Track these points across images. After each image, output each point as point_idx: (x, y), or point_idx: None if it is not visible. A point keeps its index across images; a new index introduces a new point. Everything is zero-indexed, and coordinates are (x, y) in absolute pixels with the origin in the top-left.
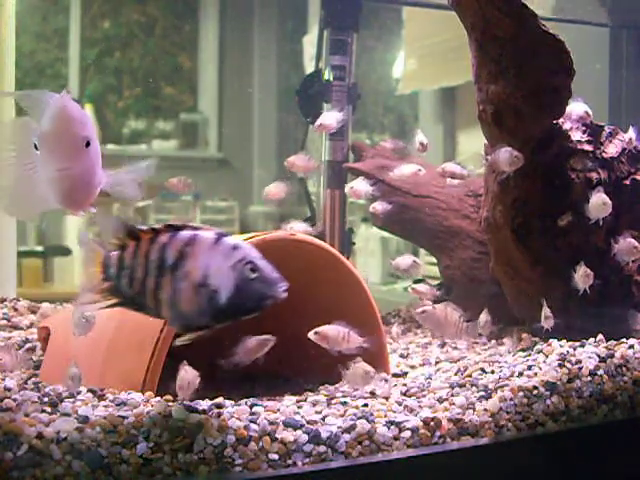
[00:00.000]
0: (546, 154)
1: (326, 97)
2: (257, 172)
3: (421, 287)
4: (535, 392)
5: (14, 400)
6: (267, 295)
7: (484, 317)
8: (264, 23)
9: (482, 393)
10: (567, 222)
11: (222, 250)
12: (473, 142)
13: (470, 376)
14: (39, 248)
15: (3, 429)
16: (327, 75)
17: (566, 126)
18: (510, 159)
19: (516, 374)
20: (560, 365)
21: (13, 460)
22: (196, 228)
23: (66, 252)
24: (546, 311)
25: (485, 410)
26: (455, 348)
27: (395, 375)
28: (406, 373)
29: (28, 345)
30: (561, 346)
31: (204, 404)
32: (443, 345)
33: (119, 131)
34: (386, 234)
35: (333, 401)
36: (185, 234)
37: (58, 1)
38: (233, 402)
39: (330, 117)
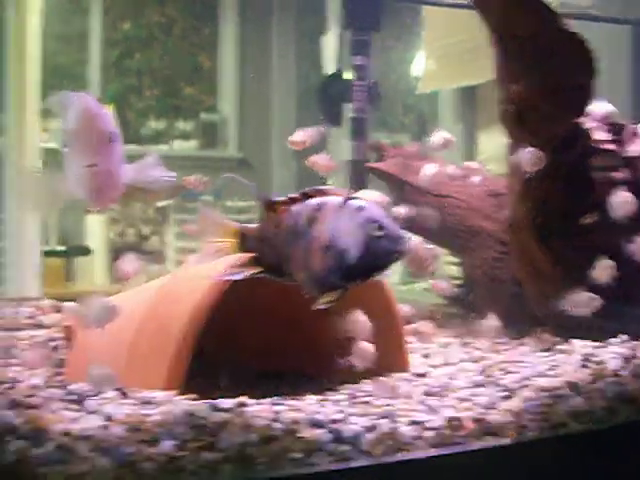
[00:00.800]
0: (568, 153)
1: (347, 97)
2: (277, 171)
3: (441, 283)
4: (558, 392)
5: (41, 398)
6: (393, 251)
7: (493, 322)
8: (283, 23)
9: (505, 393)
10: (591, 221)
11: (348, 212)
12: (493, 142)
13: (492, 376)
14: (61, 248)
15: (31, 425)
16: (348, 75)
17: (588, 125)
18: (532, 159)
19: (538, 374)
20: (583, 365)
21: (40, 456)
22: (325, 193)
23: (87, 252)
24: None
25: (508, 410)
26: (476, 348)
27: (417, 375)
28: (428, 373)
29: (52, 343)
30: (583, 346)
31: (228, 403)
32: (464, 345)
33: (140, 131)
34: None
35: (355, 400)
36: (314, 201)
37: (79, 3)
38: (256, 401)
39: (302, 134)
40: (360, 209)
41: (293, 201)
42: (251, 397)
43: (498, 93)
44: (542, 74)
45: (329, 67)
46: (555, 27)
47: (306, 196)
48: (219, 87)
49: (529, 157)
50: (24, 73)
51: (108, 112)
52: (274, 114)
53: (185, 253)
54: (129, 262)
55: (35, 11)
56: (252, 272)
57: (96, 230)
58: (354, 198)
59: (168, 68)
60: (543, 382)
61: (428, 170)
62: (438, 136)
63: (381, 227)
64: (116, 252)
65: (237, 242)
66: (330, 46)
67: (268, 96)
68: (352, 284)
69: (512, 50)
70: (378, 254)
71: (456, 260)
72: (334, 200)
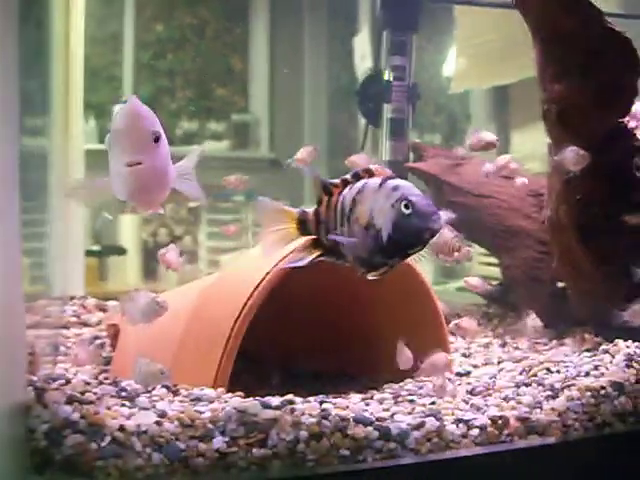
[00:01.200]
0: (611, 153)
1: (386, 97)
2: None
3: (474, 280)
4: (602, 392)
5: (94, 394)
6: (424, 228)
7: (532, 322)
8: (314, 24)
9: (549, 392)
10: (634, 221)
11: (384, 192)
12: (527, 141)
13: (536, 375)
14: (96, 247)
15: (88, 421)
16: (387, 75)
17: (631, 125)
18: (576, 158)
19: (582, 374)
20: (627, 365)
21: (98, 450)
22: (372, 173)
23: (122, 251)
24: None
25: (552, 409)
26: (517, 348)
27: (459, 374)
28: (469, 372)
29: (98, 341)
30: (627, 347)
31: (276, 400)
32: (504, 345)
33: (172, 132)
34: None
35: (399, 399)
36: (359, 183)
37: (112, 6)
38: (302, 399)
39: (303, 152)
40: (395, 189)
41: (345, 184)
42: (297, 395)
43: (540, 93)
44: (585, 73)
45: (360, 68)
46: (600, 26)
47: (357, 177)
48: (251, 88)
49: (573, 156)
50: (68, 75)
51: (154, 114)
52: (306, 114)
53: (217, 253)
54: (172, 252)
55: (79, 13)
56: (315, 255)
57: (129, 230)
58: (392, 178)
59: (200, 69)
60: (587, 382)
61: (486, 168)
62: (481, 136)
63: (411, 205)
64: (148, 252)
65: (297, 227)
66: (362, 47)
67: (299, 97)
68: (393, 262)
69: (554, 50)
70: (409, 232)
71: (491, 260)
72: (374, 181)
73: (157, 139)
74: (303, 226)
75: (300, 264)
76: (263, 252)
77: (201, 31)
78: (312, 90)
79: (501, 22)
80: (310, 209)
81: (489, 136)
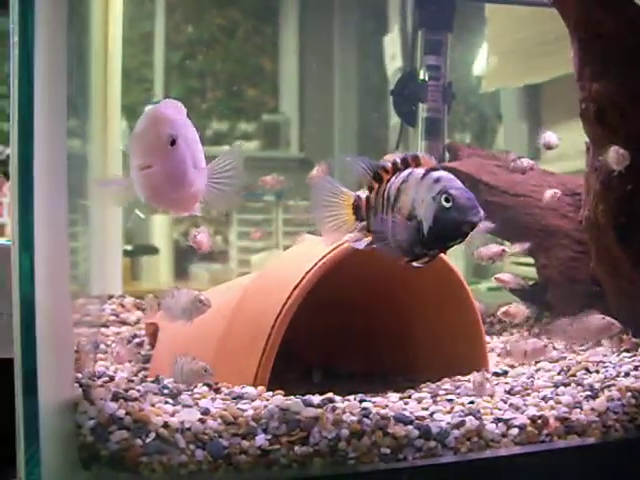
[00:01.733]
0: None
1: (421, 97)
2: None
3: (505, 276)
4: None
5: (137, 391)
6: (462, 221)
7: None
8: (344, 24)
9: (588, 392)
10: None
11: (426, 184)
12: (560, 140)
13: (574, 375)
14: (128, 247)
15: (133, 417)
16: (422, 75)
17: None
18: (617, 158)
19: (622, 374)
20: None
21: (142, 447)
22: (419, 161)
23: (154, 251)
24: None
25: (592, 410)
26: (553, 348)
27: (495, 374)
28: (506, 372)
29: (137, 340)
30: None
31: (317, 399)
32: None
33: (203, 133)
34: None
35: (437, 398)
36: (404, 172)
37: (143, 7)
38: (342, 397)
39: (318, 169)
40: (437, 181)
41: (395, 169)
42: (336, 394)
43: (578, 91)
44: (624, 72)
45: (391, 68)
46: (639, 24)
47: (406, 163)
48: (281, 88)
49: (615, 155)
50: (106, 77)
51: (179, 116)
52: (336, 114)
53: (248, 253)
54: (203, 234)
55: (117, 16)
56: (368, 240)
57: (160, 230)
58: (436, 170)
59: (231, 70)
60: (627, 382)
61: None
62: (544, 138)
63: (452, 198)
64: (180, 252)
65: (352, 212)
66: (392, 46)
67: (329, 96)
68: (434, 253)
69: (593, 48)
70: (449, 225)
71: (524, 260)
72: (418, 172)
73: (173, 142)
74: (357, 211)
75: (358, 246)
76: (324, 241)
77: (231, 32)
78: (342, 90)
79: (532, 20)
80: (363, 195)
81: (553, 137)
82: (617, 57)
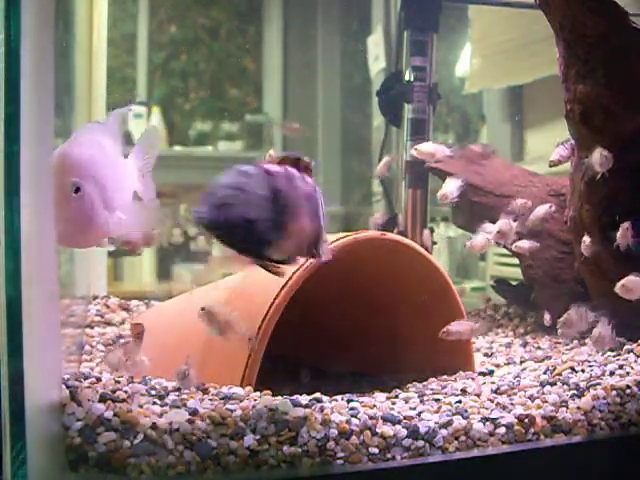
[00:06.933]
0: (635, 153)
1: (407, 98)
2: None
3: (524, 243)
4: (628, 391)
5: (125, 392)
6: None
7: (600, 331)
8: (327, 24)
9: (574, 391)
10: None
11: None
12: (541, 141)
13: (560, 375)
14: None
15: (121, 418)
16: (408, 76)
17: None
18: (601, 159)
19: (607, 373)
20: None
21: (130, 448)
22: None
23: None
24: None
25: (578, 408)
26: (538, 348)
27: (481, 374)
28: (492, 371)
29: (122, 341)
30: None
31: (305, 399)
32: (525, 344)
33: (186, 133)
34: (452, 234)
35: (425, 398)
36: None
37: (126, 7)
38: (329, 397)
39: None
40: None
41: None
42: (323, 394)
43: (564, 93)
44: (609, 74)
45: (374, 68)
46: (625, 27)
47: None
48: (264, 88)
49: (598, 157)
50: (91, 76)
51: (89, 153)
52: (319, 114)
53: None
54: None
55: (102, 15)
56: None
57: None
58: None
59: (214, 70)
60: (613, 381)
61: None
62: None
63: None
64: (163, 253)
65: None
66: (375, 47)
67: (313, 97)
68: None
69: (579, 50)
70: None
71: (507, 261)
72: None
73: (77, 189)
74: None
75: None
76: None
77: (215, 32)
78: (325, 90)
79: (515, 22)
80: None
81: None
82: (602, 58)
